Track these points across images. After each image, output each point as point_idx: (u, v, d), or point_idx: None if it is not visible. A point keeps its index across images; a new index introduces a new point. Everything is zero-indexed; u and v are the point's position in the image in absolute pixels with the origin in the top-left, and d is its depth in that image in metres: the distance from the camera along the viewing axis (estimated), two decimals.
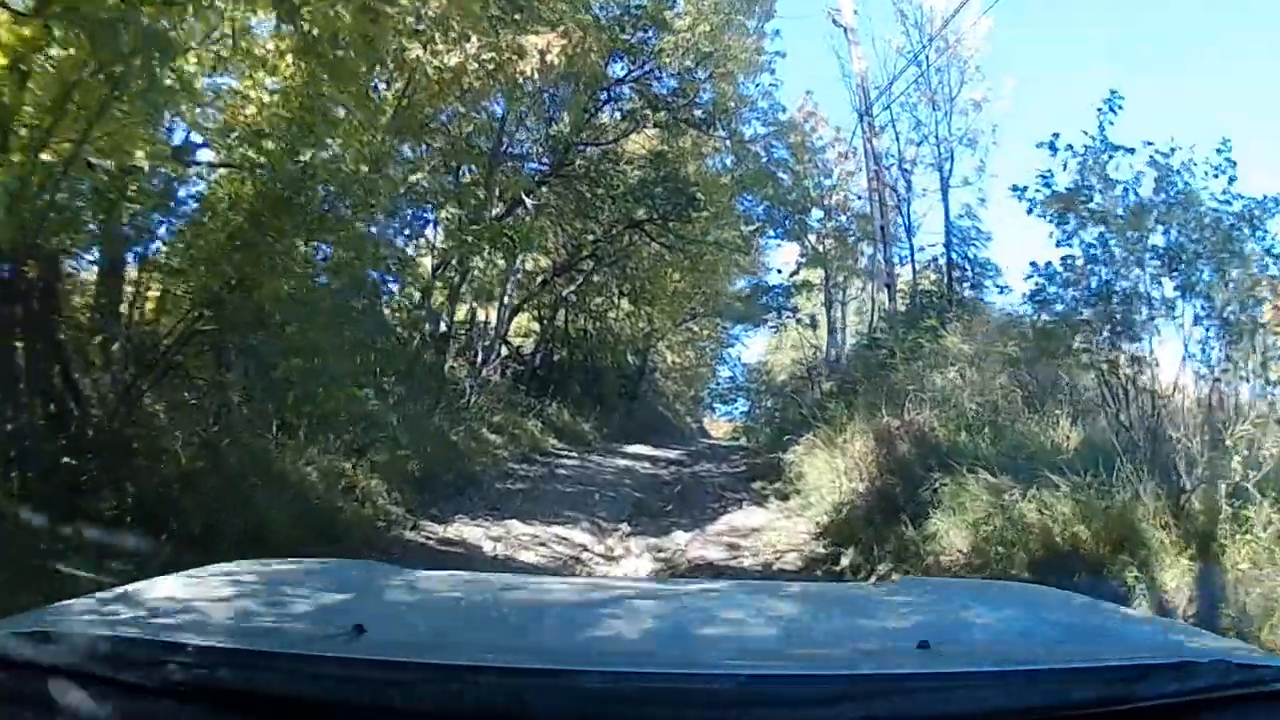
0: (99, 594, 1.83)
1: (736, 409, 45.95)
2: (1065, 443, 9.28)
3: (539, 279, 22.57)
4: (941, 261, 18.42)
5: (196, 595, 1.88)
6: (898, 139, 19.37)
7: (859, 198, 20.51)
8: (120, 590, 1.89)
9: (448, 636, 1.79)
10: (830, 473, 10.86)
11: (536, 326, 24.86)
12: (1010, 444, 9.07)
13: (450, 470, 11.64)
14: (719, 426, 44.11)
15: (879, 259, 18.46)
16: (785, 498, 11.85)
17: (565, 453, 17.46)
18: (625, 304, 26.32)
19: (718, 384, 45.07)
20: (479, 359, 17.75)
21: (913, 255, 18.41)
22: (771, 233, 23.66)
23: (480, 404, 16.75)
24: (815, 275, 24.72)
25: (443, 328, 17.89)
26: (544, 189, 19.07)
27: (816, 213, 23.65)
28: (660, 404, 33.45)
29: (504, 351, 22.79)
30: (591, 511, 10.97)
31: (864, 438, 10.48)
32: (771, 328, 17.87)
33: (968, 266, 18.87)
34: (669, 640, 1.85)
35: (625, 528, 10.28)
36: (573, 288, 23.36)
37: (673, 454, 21.23)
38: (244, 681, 1.31)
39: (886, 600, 2.47)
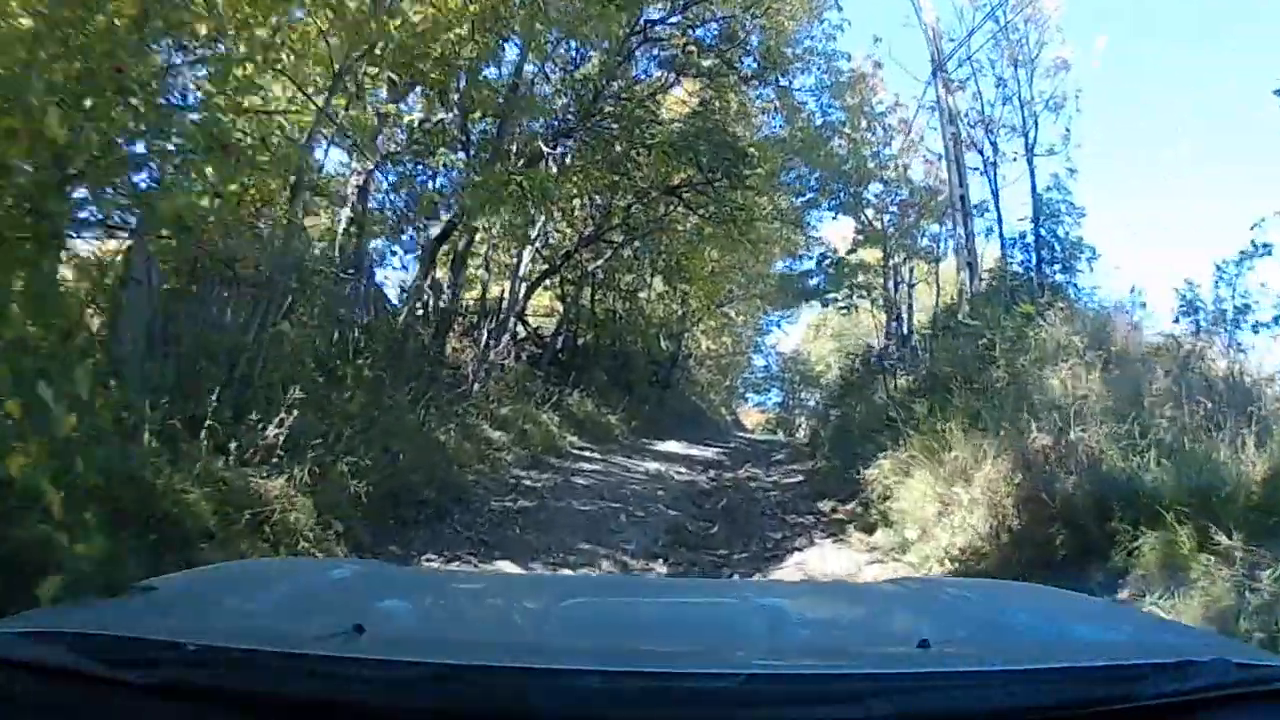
0: (99, 594, 1.86)
1: (770, 399, 43.83)
2: (1251, 471, 6.62)
3: (562, 251, 19.92)
4: (1028, 239, 15.51)
5: (196, 595, 1.96)
6: (980, 95, 16.44)
7: (936, 157, 17.43)
8: (120, 590, 1.88)
9: (448, 636, 1.79)
10: (935, 501, 8.16)
11: (560, 306, 22.22)
12: (1199, 476, 6.38)
13: (431, 483, 8.88)
14: (750, 415, 41.95)
15: (959, 232, 15.56)
16: (869, 529, 9.12)
17: (586, 453, 14.75)
18: (658, 283, 23.61)
19: (752, 373, 42.83)
20: (485, 339, 15.01)
21: (1000, 227, 15.47)
22: (825, 205, 20.76)
23: (486, 393, 14.12)
24: (871, 255, 21.88)
25: (443, 302, 15.26)
26: (569, 140, 16.26)
27: (874, 186, 20.74)
28: (694, 394, 30.69)
29: (520, 332, 20.26)
30: (614, 543, 8.32)
31: (995, 460, 7.74)
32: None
33: (1057, 246, 15.93)
34: (669, 639, 1.86)
35: (661, 569, 7.61)
36: (600, 262, 20.64)
37: (710, 453, 18.62)
38: (244, 681, 1.31)
39: (887, 599, 2.48)
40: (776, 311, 34.77)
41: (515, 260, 17.20)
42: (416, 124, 13.42)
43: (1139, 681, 1.35)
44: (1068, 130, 16.29)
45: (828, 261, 16.20)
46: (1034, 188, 15.45)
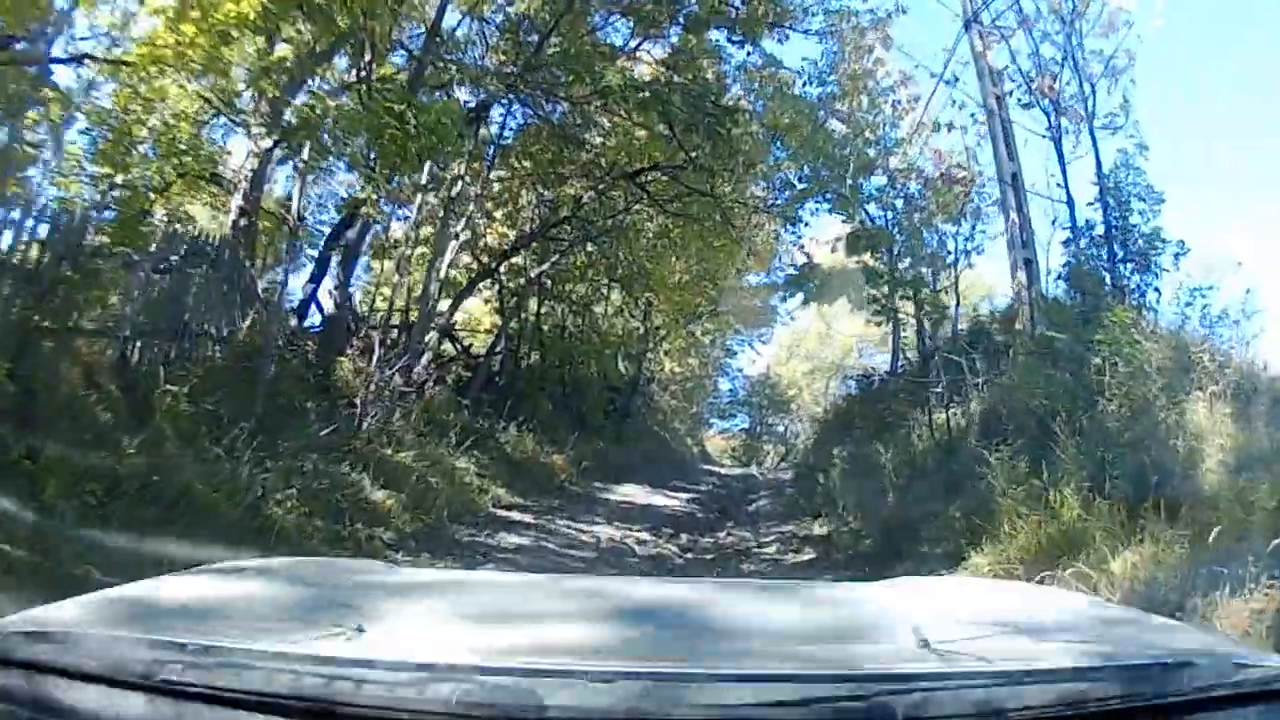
0: (99, 594, 1.85)
1: (735, 424, 41.17)
2: None
3: (500, 252, 16.26)
4: (1096, 230, 11.98)
5: (196, 595, 1.92)
6: (1036, 49, 12.86)
7: (980, 112, 13.64)
8: (120, 590, 1.92)
9: (448, 636, 1.75)
10: None
11: (500, 322, 18.46)
12: None
13: None
14: (713, 440, 39.38)
15: (1013, 219, 11.92)
16: None
17: (515, 514, 10.88)
18: (617, 295, 19.88)
19: (718, 397, 39.76)
20: (379, 359, 11.16)
21: (1072, 213, 11.85)
22: (817, 196, 17.02)
23: (385, 431, 10.41)
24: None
25: (330, 308, 11.52)
26: (505, 104, 12.57)
27: (877, 180, 17.17)
28: (656, 423, 26.83)
29: (449, 351, 16.60)
30: None
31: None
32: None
33: (1129, 239, 12.33)
34: (669, 639, 1.85)
35: None
36: (546, 267, 16.94)
37: (678, 502, 14.97)
38: (244, 681, 1.28)
39: (887, 599, 2.34)
40: (750, 330, 31.30)
41: (435, 258, 13.45)
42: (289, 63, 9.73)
43: (1139, 681, 1.34)
44: (1126, 100, 12.86)
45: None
46: (1099, 165, 11.94)
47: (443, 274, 13.57)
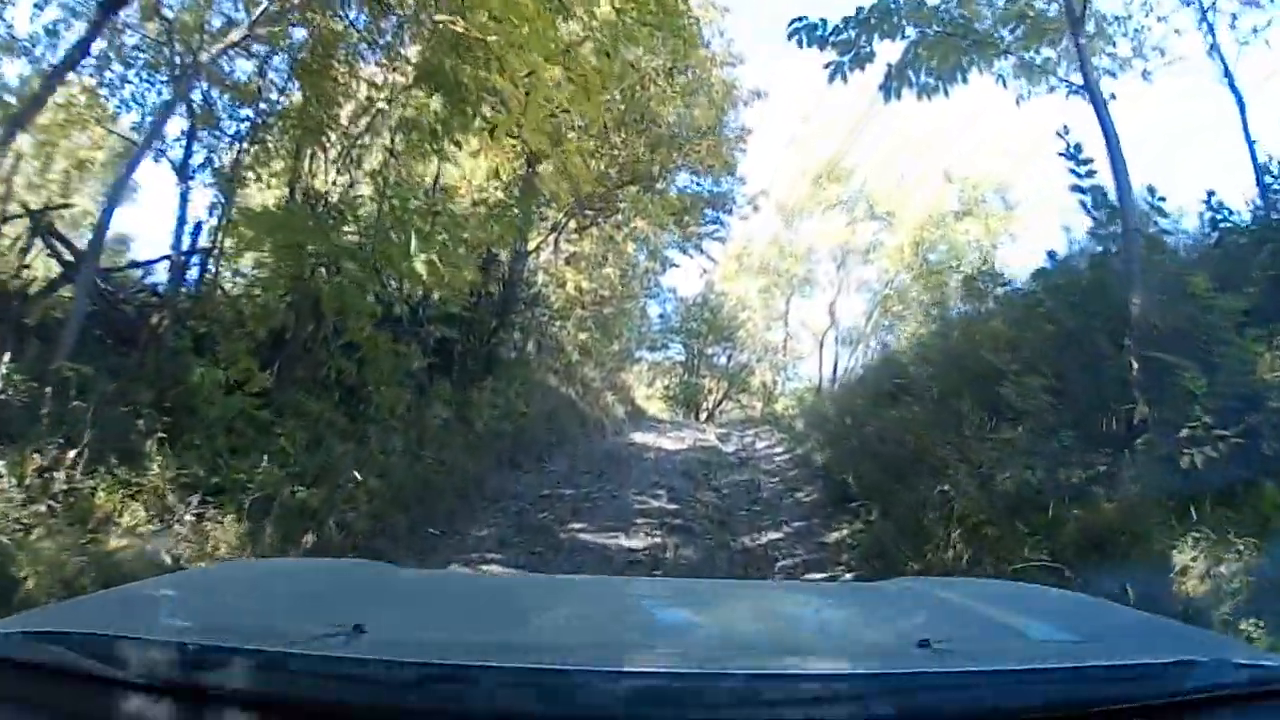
0: (100, 594, 1.93)
1: (666, 355, 33.51)
2: None
3: None
4: None
5: (197, 595, 1.93)
6: None
7: None
8: (121, 590, 1.97)
9: (448, 636, 1.74)
10: None
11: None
12: None
13: None
14: (635, 378, 29.85)
15: None
16: None
17: None
18: (432, 101, 8.82)
19: (646, 326, 31.03)
20: None
21: None
22: None
23: None
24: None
25: None
26: None
27: None
28: (553, 372, 16.21)
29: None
30: None
31: None
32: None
33: None
34: (670, 639, 1.85)
35: None
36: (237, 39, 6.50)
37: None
38: (244, 681, 1.26)
39: (887, 599, 2.41)
40: (687, 235, 21.38)
41: None
42: None
43: (1139, 681, 1.32)
44: None
45: None
46: None
47: None
